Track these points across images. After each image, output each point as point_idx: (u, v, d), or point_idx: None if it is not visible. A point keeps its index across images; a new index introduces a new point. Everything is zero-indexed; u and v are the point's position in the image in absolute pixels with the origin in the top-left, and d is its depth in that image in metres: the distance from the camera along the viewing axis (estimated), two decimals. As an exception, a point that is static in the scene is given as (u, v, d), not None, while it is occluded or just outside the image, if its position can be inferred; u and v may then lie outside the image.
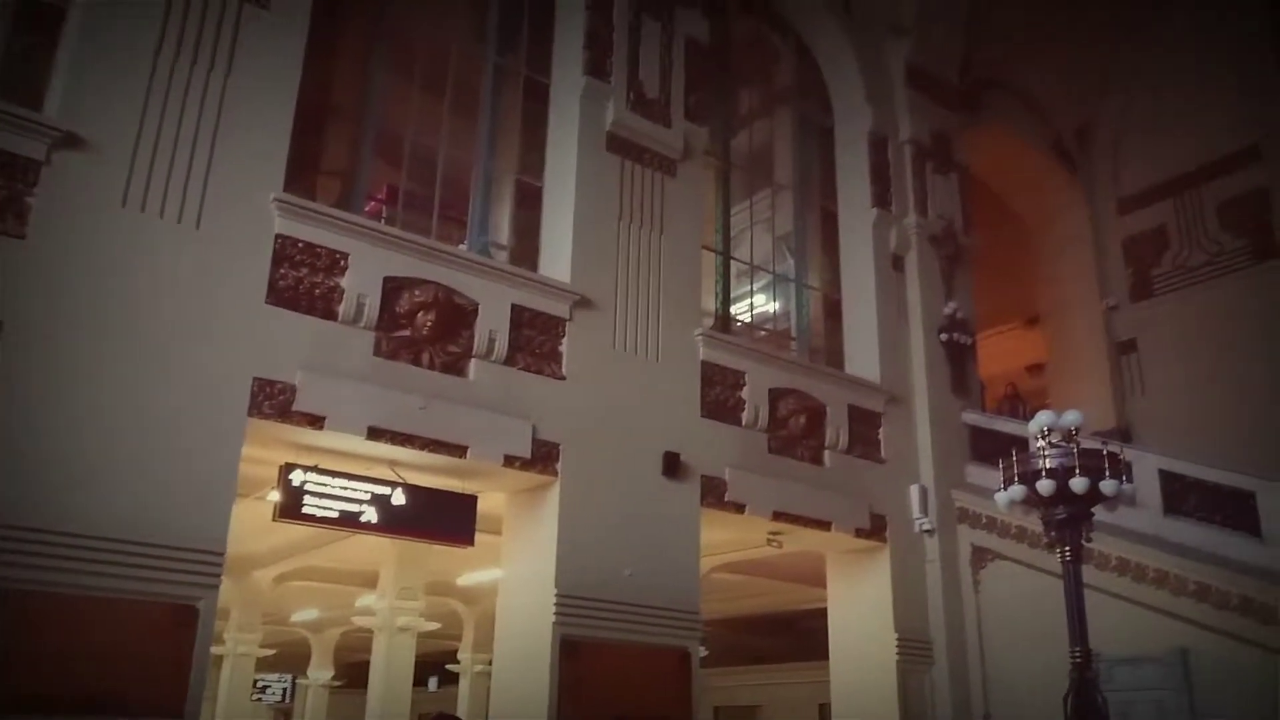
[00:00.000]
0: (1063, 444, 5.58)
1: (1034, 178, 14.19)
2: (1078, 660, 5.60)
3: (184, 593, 5.82)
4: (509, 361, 7.64)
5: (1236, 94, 12.82)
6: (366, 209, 8.00)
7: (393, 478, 7.27)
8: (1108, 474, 5.54)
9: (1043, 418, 5.70)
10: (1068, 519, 5.62)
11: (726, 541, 10.12)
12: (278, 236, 6.76)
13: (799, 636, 14.88)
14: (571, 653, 7.34)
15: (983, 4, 12.33)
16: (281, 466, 6.85)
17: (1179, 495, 9.28)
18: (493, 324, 7.57)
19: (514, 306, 7.75)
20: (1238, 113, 12.77)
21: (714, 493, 8.62)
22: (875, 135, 11.22)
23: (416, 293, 7.25)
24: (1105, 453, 5.63)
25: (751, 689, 17.17)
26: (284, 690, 19.89)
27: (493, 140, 8.78)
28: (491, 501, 8.00)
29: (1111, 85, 14.17)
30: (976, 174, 13.20)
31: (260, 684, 19.17)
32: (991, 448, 9.89)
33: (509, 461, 7.43)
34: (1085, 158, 14.26)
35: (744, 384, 9.17)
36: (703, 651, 8.63)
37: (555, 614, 7.33)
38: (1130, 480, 6.72)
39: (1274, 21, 12.68)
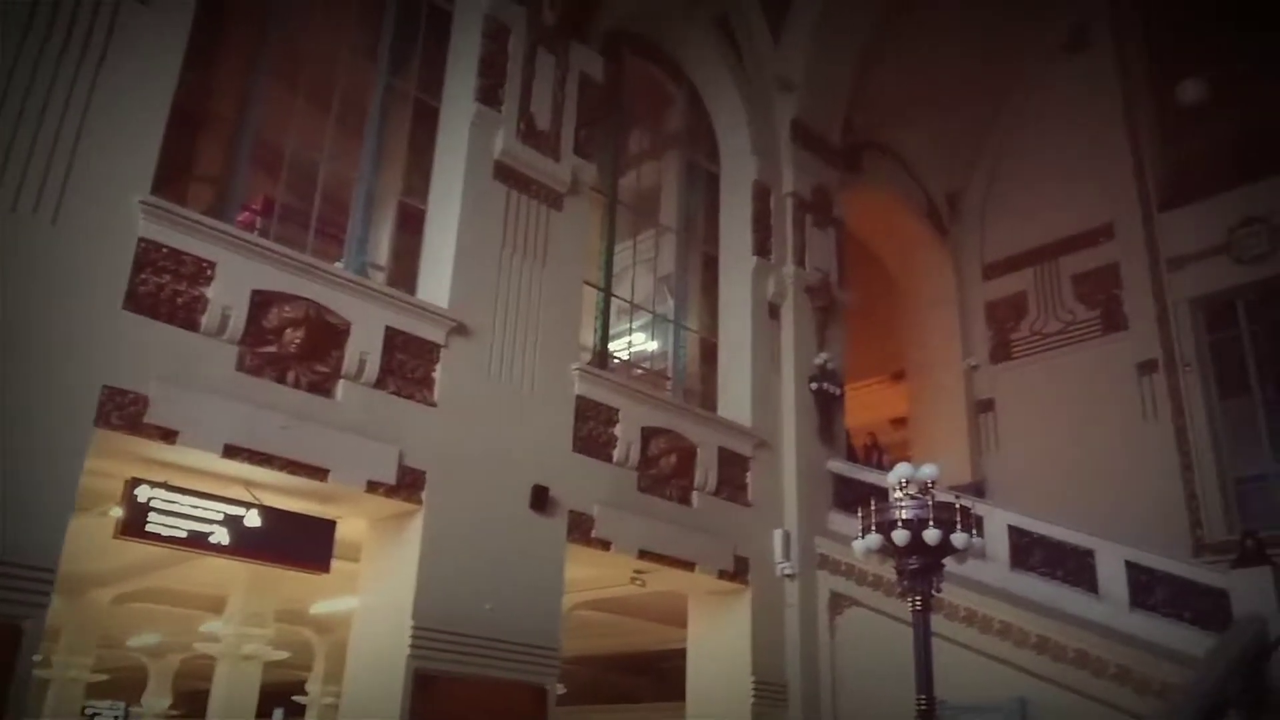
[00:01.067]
0: (919, 496, 5.77)
1: (907, 239, 14.77)
2: (922, 708, 5.75)
3: (7, 610, 5.45)
4: (379, 385, 7.47)
5: (1095, 174, 13.65)
6: (239, 219, 7.74)
7: (247, 498, 6.99)
8: (959, 527, 5.75)
9: (901, 470, 5.88)
10: (920, 569, 5.80)
11: (591, 579, 10.08)
12: (140, 240, 6.47)
13: (659, 677, 14.84)
14: (425, 686, 7.15)
15: (867, 69, 12.83)
16: (127, 481, 6.51)
17: (1025, 550, 9.69)
18: (364, 345, 7.40)
19: (388, 329, 7.60)
20: (1096, 192, 13.58)
21: (581, 529, 8.58)
22: (759, 185, 11.51)
23: (286, 308, 7.03)
24: (958, 506, 5.85)
25: (608, 729, 17.00)
26: (116, 718, 18.75)
27: (377, 159, 8.63)
28: (351, 528, 7.77)
29: (982, 157, 14.97)
30: (853, 231, 13.67)
31: (90, 712, 18.00)
32: (853, 496, 10.16)
33: (372, 487, 7.24)
34: (955, 223, 14.95)
35: (618, 421, 9.20)
36: (561, 689, 8.53)
37: (410, 646, 7.14)
38: (981, 534, 6.99)
39: (1129, 111, 13.58)
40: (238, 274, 6.83)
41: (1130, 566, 8.94)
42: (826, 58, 12.22)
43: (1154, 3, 13.97)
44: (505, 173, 8.75)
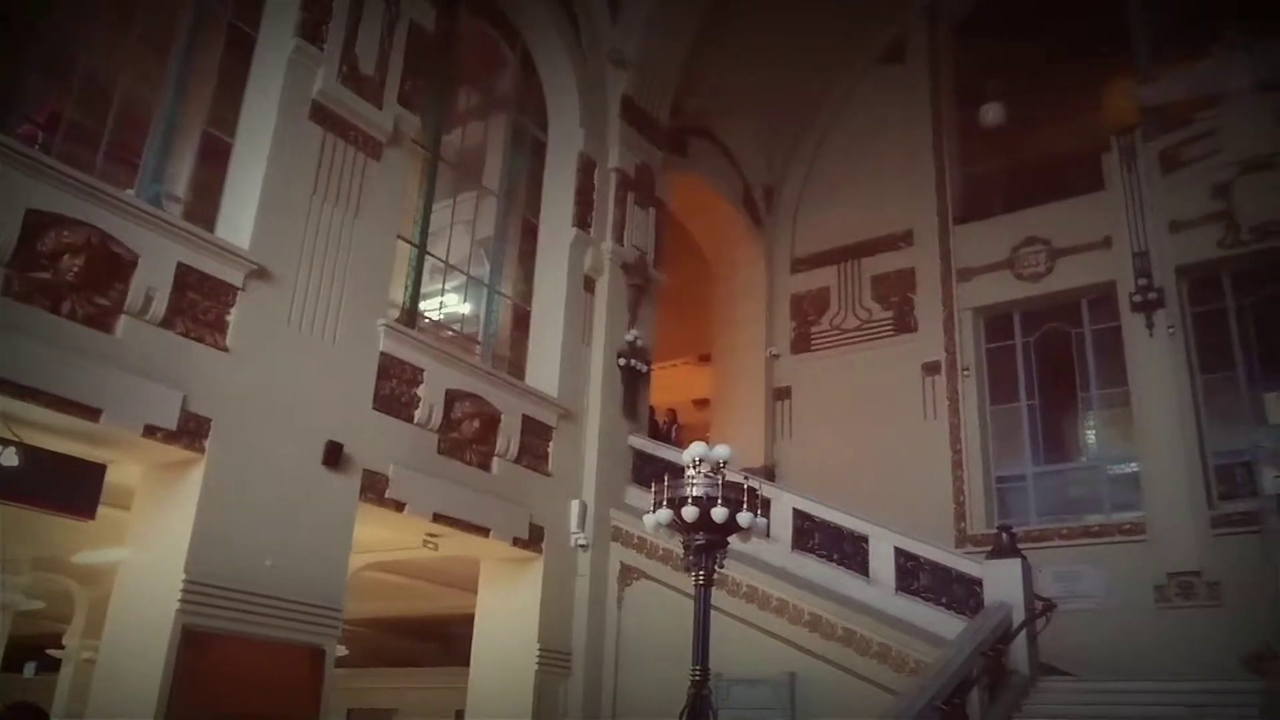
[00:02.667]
0: (711, 475, 5.96)
1: (723, 226, 15.15)
2: (696, 679, 5.96)
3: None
4: (166, 324, 7.02)
5: (901, 183, 14.42)
6: (19, 130, 7.08)
7: (6, 434, 6.44)
8: (746, 507, 5.97)
9: (695, 449, 6.05)
10: (705, 545, 6.00)
11: (382, 540, 9.86)
12: (-103, 141, 5.81)
13: (446, 642, 14.75)
14: (194, 643, 6.81)
15: (700, 55, 13.05)
16: None
17: (807, 533, 10.18)
18: (152, 280, 6.93)
19: (180, 265, 7.14)
20: (901, 200, 14.36)
21: (374, 488, 8.39)
22: (585, 158, 11.51)
23: (66, 233, 6.48)
24: (747, 487, 6.07)
25: (390, 692, 16.75)
26: None
27: (183, 84, 8.03)
28: (124, 473, 7.30)
29: (800, 155, 15.56)
30: (673, 213, 13.90)
31: None
32: (651, 472, 10.35)
33: (150, 432, 6.81)
34: (770, 216, 15.46)
35: (422, 381, 9.02)
36: (342, 651, 8.33)
37: (180, 600, 6.78)
38: (767, 515, 7.30)
39: (936, 126, 14.43)
40: (10, 190, 6.25)
41: (899, 553, 9.55)
42: (661, 39, 12.34)
43: (966, 27, 14.92)
44: (323, 114, 8.37)
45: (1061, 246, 13.00)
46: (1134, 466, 12.01)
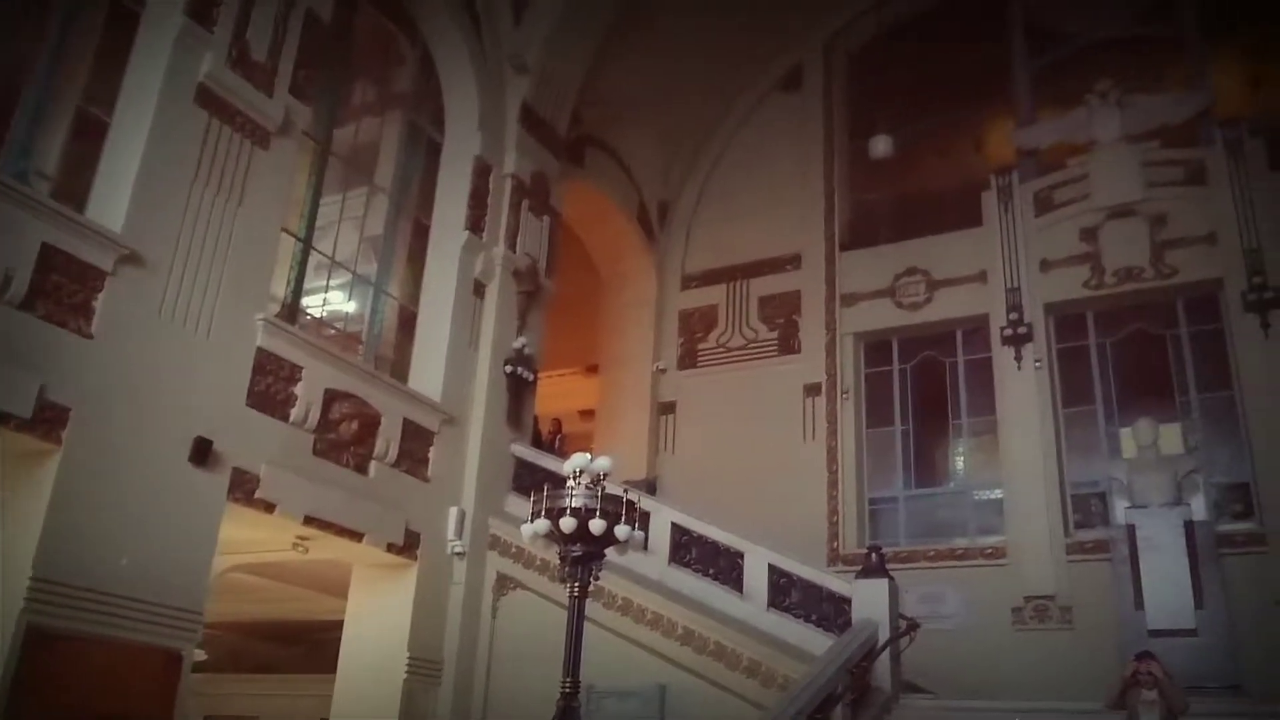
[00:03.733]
0: (591, 487, 5.96)
1: (617, 239, 15.21)
2: (566, 690, 5.94)
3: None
4: (25, 306, 6.65)
5: (793, 207, 14.74)
6: None
7: None
8: (624, 520, 5.99)
9: (576, 460, 6.04)
10: (582, 556, 5.99)
11: (250, 541, 9.53)
12: None
13: (314, 648, 14.32)
14: (40, 644, 6.46)
15: (601, 66, 13.11)
16: None
17: (685, 547, 10.26)
18: (11, 260, 6.54)
19: (44, 245, 6.76)
20: (791, 223, 14.66)
21: (244, 488, 8.11)
22: (481, 162, 11.40)
23: (-82, 205, 6.11)
24: (626, 500, 6.09)
25: (252, 698, 16.17)
26: None
27: (59, 55, 7.64)
28: (-30, 463, 6.88)
29: (696, 172, 15.75)
30: (568, 222, 13.90)
31: None
32: (532, 481, 10.31)
33: (2, 420, 6.44)
34: (664, 231, 15.60)
35: (300, 379, 8.77)
36: (201, 655, 8.01)
37: (25, 599, 6.42)
38: (645, 528, 7.35)
39: (827, 155, 14.82)
40: None
41: (773, 570, 9.71)
42: (564, 48, 12.34)
43: (860, 61, 15.39)
44: (208, 98, 8.08)
45: (940, 278, 13.47)
46: (998, 493, 12.50)
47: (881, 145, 13.05)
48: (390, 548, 9.58)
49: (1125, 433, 11.65)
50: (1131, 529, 10.20)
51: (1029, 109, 13.97)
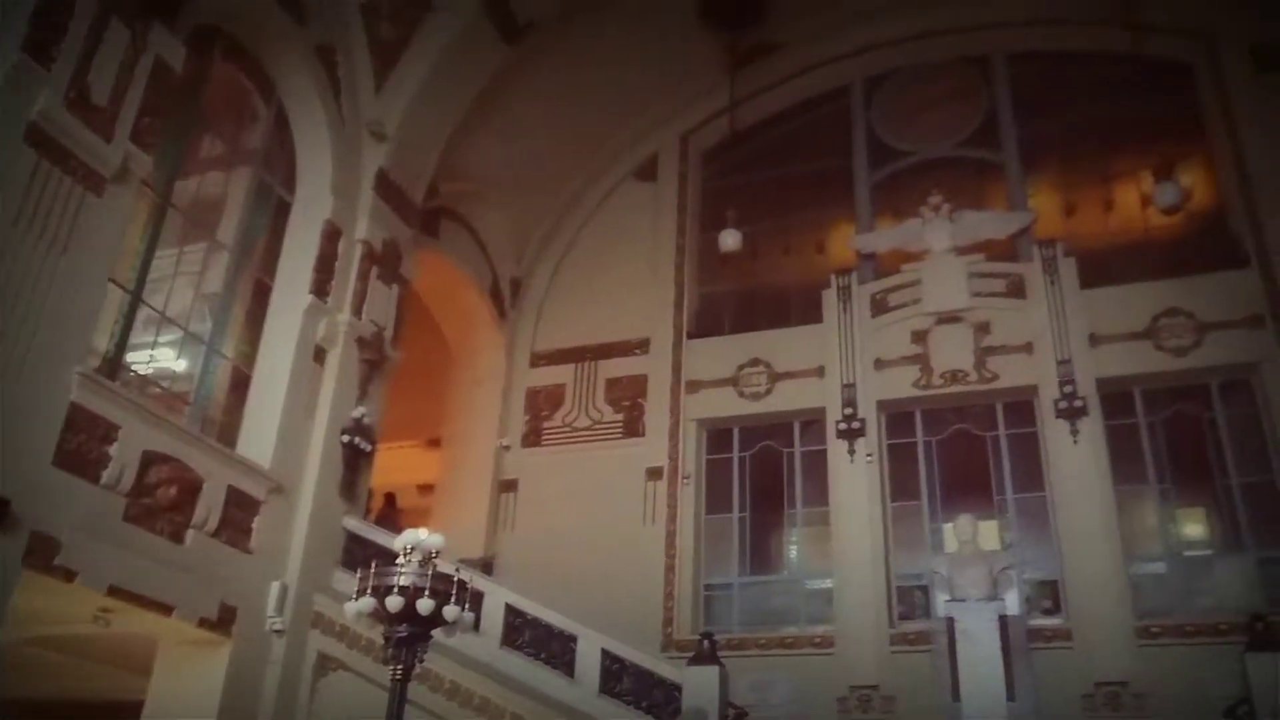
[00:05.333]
0: (422, 565, 5.79)
1: (467, 313, 15.11)
2: (380, 779, 5.69)
3: None
4: None
5: (644, 292, 15.03)
6: None
7: None
8: (455, 600, 5.83)
9: (408, 536, 5.88)
10: (407, 637, 5.79)
11: (47, 612, 8.79)
12: None
13: (110, 730, 13.23)
14: None
15: (461, 140, 13.18)
16: None
17: (518, 630, 10.08)
18: None
19: None
20: (642, 307, 14.92)
21: (42, 553, 7.48)
22: (331, 225, 11.17)
23: None
24: (457, 579, 5.95)
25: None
26: None
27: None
28: None
29: (550, 251, 15.89)
30: (418, 293, 13.75)
31: None
32: (363, 556, 9.92)
33: None
34: (515, 308, 15.59)
35: (115, 439, 8.23)
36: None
37: None
38: (478, 609, 7.16)
39: (679, 244, 15.23)
40: None
41: (605, 655, 9.62)
42: (424, 119, 12.34)
43: (713, 157, 15.99)
44: (40, 138, 7.66)
45: (781, 370, 13.90)
46: (829, 582, 12.78)
47: (731, 239, 13.50)
48: (203, 623, 8.99)
49: (948, 528, 12.14)
50: (950, 621, 10.56)
51: (869, 216, 14.77)
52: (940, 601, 11.20)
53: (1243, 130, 13.10)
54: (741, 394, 14.02)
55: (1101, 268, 13.16)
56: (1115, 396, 12.46)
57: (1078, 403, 12.22)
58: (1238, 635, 9.78)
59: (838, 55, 15.52)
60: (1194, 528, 12.32)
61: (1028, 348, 12.84)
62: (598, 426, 14.54)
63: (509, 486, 14.54)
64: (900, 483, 13.00)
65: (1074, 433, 12.15)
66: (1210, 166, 13.55)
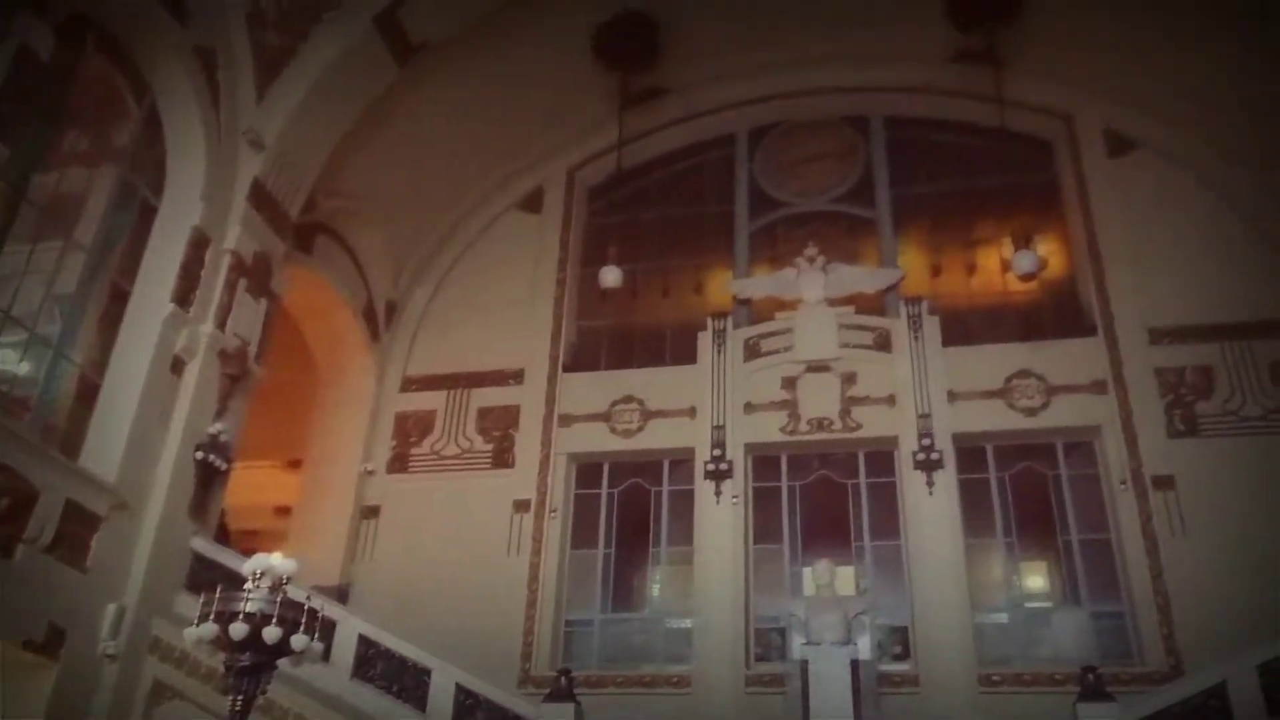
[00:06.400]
0: (271, 591, 5.57)
1: (339, 332, 14.71)
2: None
3: None
4: None
5: (522, 322, 14.94)
6: None
7: None
8: (304, 629, 5.62)
9: (257, 560, 5.65)
10: (250, 667, 5.54)
11: None
12: None
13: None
14: None
15: (343, 157, 12.94)
16: None
17: (370, 661, 9.80)
18: None
19: None
20: (519, 337, 14.83)
21: None
22: (199, 233, 10.75)
23: None
24: (308, 607, 5.74)
25: None
26: None
27: None
28: None
29: (428, 276, 15.64)
30: (289, 308, 13.35)
31: None
32: (210, 579, 9.49)
33: None
34: (389, 331, 15.26)
35: (-57, 444, 7.71)
36: None
37: None
38: (329, 639, 6.91)
39: (560, 277, 15.24)
40: None
41: (460, 689, 9.43)
42: (306, 131, 12.04)
43: (599, 194, 16.11)
44: (-119, 118, 7.20)
45: (654, 409, 13.99)
46: (689, 622, 12.86)
47: (611, 276, 13.57)
48: (28, 645, 8.42)
49: (807, 572, 12.41)
50: (805, 665, 10.73)
51: (746, 262, 15.11)
52: (796, 644, 11.38)
53: (1095, 208, 14.02)
54: (614, 430, 14.06)
55: (962, 327, 13.79)
56: (969, 451, 13.01)
57: (935, 455, 12.69)
58: (1072, 685, 10.22)
59: (724, 105, 15.93)
60: (1036, 581, 12.89)
61: (890, 400, 13.29)
62: (466, 455, 14.32)
63: (371, 513, 14.16)
64: (763, 525, 13.22)
65: (930, 484, 12.60)
66: (1065, 239, 14.41)
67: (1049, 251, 13.91)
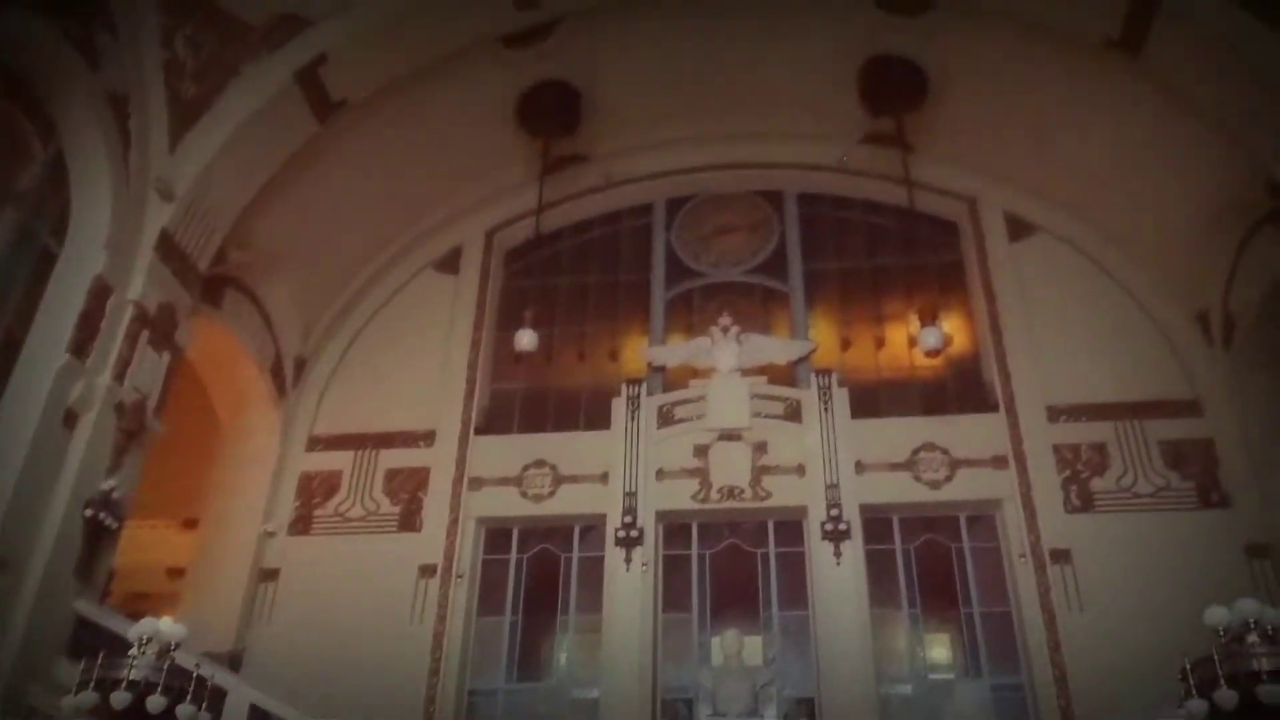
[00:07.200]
0: (158, 657, 5.31)
1: (244, 388, 14.32)
2: None
3: None
4: None
5: (433, 383, 14.78)
6: None
7: None
8: (190, 697, 5.37)
9: (145, 625, 5.41)
10: (131, 737, 5.27)
11: None
12: None
13: None
14: None
15: (256, 212, 12.75)
16: None
17: (262, 732, 9.36)
18: None
19: None
20: (430, 399, 14.68)
21: None
22: (100, 282, 10.43)
23: None
24: (197, 675, 5.49)
25: None
26: None
27: None
28: None
29: (338, 334, 15.40)
30: (193, 362, 12.99)
31: None
32: (95, 645, 9.01)
33: None
34: (296, 388, 14.91)
35: None
36: None
37: None
38: (218, 708, 6.61)
39: (475, 339, 15.15)
40: None
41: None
42: (219, 183, 11.86)
43: (516, 257, 16.17)
44: None
45: (566, 474, 13.89)
46: (595, 692, 12.63)
47: (526, 339, 13.53)
48: (-115, 714, 7.88)
49: (715, 641, 12.32)
50: (711, 736, 10.65)
51: (662, 330, 15.27)
52: (703, 715, 11.26)
53: (997, 288, 14.56)
54: (524, 494, 13.90)
55: (870, 400, 14.09)
56: (876, 522, 13.18)
57: (843, 526, 12.83)
58: (973, 758, 10.32)
59: (643, 175, 16.21)
60: (939, 652, 13.03)
61: (800, 470, 13.43)
62: (372, 518, 13.99)
63: (269, 576, 13.67)
64: (673, 594, 13.15)
65: (837, 555, 12.71)
66: (969, 317, 14.90)
67: (954, 328, 14.35)
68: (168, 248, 11.36)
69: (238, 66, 11.75)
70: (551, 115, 14.89)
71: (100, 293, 10.45)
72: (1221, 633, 7.23)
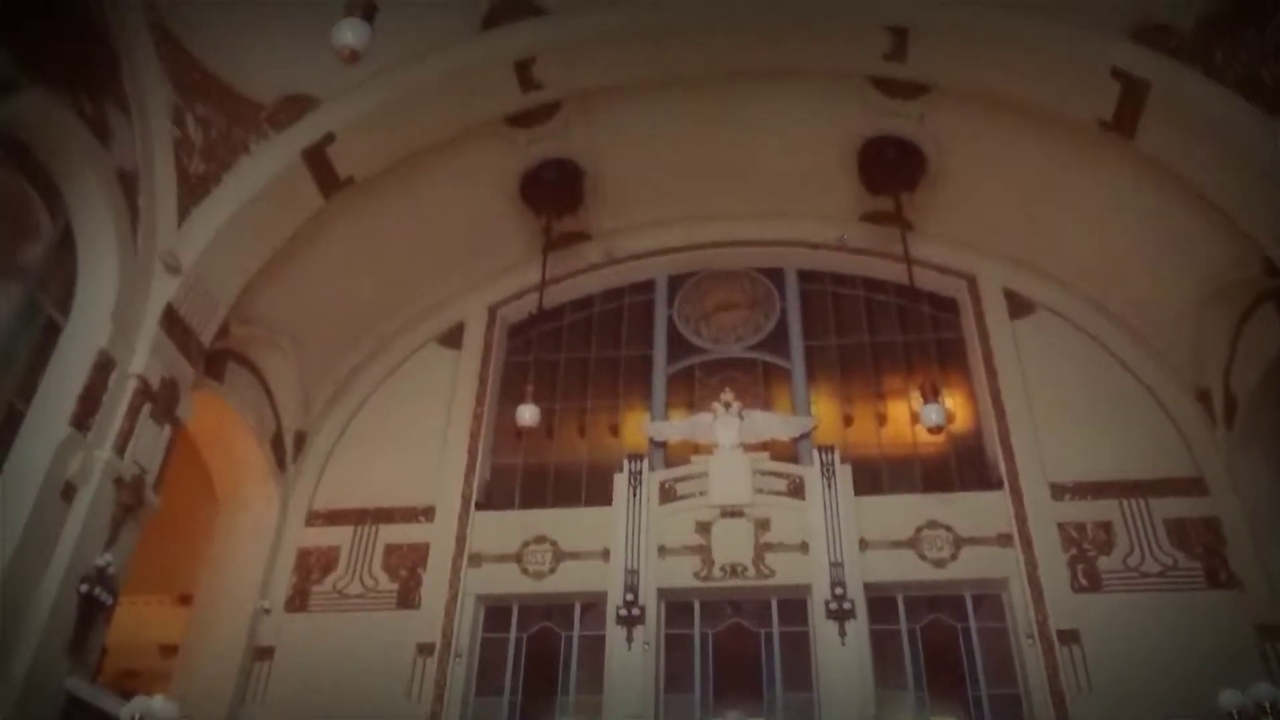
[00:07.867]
0: (150, 737, 5.20)
1: (244, 463, 14.23)
2: None
3: None
4: None
5: (432, 459, 14.73)
6: None
7: None
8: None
9: (136, 704, 5.31)
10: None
11: None
12: None
13: None
14: None
15: (260, 287, 12.86)
16: None
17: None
18: None
19: None
20: (429, 475, 14.60)
21: None
22: (105, 356, 10.43)
23: None
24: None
25: None
26: None
27: None
28: None
29: (337, 409, 15.38)
30: (193, 436, 12.97)
31: None
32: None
33: None
34: (296, 463, 14.85)
35: None
36: None
37: None
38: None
39: (476, 414, 15.13)
40: None
41: None
42: (225, 259, 11.97)
43: (519, 332, 16.26)
44: None
45: (567, 550, 13.76)
46: (595, 776, 12.33)
47: (528, 414, 13.50)
48: None
49: (723, 721, 12.07)
50: (713, 823, 10.37)
51: (663, 405, 15.27)
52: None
53: (999, 365, 14.60)
54: (525, 571, 13.75)
55: (874, 477, 14.02)
56: (880, 601, 13.00)
57: (847, 605, 12.65)
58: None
59: (645, 252, 16.40)
60: (946, 734, 12.77)
61: (804, 547, 13.30)
62: (370, 595, 13.81)
63: (265, 654, 13.43)
64: (675, 674, 12.91)
65: (842, 634, 12.51)
66: (971, 394, 14.91)
67: (956, 405, 14.36)
68: (172, 321, 11.41)
69: (247, 144, 11.95)
70: (554, 193, 15.12)
71: (103, 366, 10.44)
72: (1235, 715, 7.09)
